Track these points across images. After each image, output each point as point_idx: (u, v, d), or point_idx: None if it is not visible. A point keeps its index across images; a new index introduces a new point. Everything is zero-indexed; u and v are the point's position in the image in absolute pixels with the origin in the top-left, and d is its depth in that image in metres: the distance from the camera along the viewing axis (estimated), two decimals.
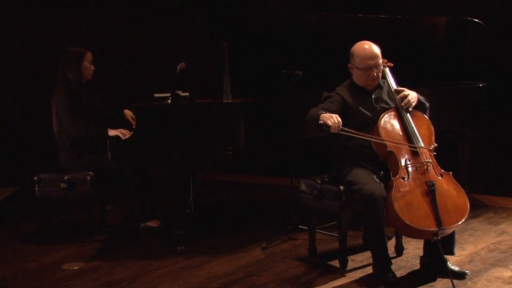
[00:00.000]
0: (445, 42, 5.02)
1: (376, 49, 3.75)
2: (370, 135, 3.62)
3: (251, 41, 4.68)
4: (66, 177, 4.52)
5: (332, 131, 3.41)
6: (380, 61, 3.74)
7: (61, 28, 7.69)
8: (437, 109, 4.71)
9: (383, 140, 3.57)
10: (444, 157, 3.72)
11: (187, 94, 4.55)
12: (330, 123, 3.40)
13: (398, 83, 3.90)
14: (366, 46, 3.74)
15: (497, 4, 6.03)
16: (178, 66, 4.54)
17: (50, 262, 4.17)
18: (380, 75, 3.79)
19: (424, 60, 4.96)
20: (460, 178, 4.22)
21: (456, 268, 3.61)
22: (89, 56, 4.73)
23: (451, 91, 4.89)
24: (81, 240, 4.59)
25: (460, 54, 5.06)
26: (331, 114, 3.47)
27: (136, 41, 7.73)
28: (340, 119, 3.45)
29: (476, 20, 4.94)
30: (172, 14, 7.59)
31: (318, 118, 3.49)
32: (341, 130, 3.45)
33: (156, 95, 4.66)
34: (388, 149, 3.56)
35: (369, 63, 3.70)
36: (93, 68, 4.76)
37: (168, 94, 4.48)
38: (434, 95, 4.75)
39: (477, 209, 5.07)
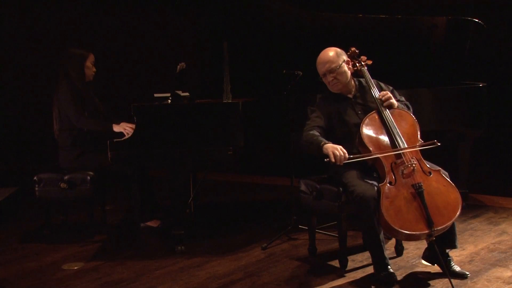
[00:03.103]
0: (445, 42, 5.02)
1: (328, 54, 3.75)
2: (378, 152, 3.52)
3: (251, 41, 4.68)
4: (66, 177, 4.53)
5: (338, 163, 3.44)
6: (334, 65, 3.71)
7: (61, 27, 7.68)
8: (437, 109, 4.72)
9: (387, 153, 3.50)
10: (444, 157, 3.72)
11: (187, 94, 4.54)
12: (334, 159, 3.42)
13: (398, 83, 3.89)
14: (320, 54, 3.78)
15: (497, 4, 6.03)
16: (178, 66, 4.54)
17: (50, 262, 4.17)
18: (341, 78, 3.74)
19: (424, 60, 4.96)
20: (460, 178, 4.23)
21: (457, 269, 3.61)
22: (91, 57, 4.75)
23: (451, 91, 4.89)
24: (81, 240, 4.59)
25: (460, 54, 5.06)
26: (334, 146, 3.47)
27: (136, 41, 7.73)
28: (344, 151, 3.46)
29: (476, 20, 4.94)
30: (172, 14, 7.59)
31: (320, 147, 3.50)
32: (348, 159, 3.46)
33: (156, 95, 4.66)
34: (372, 156, 3.54)
35: (321, 70, 3.75)
36: (94, 70, 4.79)
37: (168, 94, 4.48)
38: (434, 95, 4.76)
39: (477, 209, 5.06)
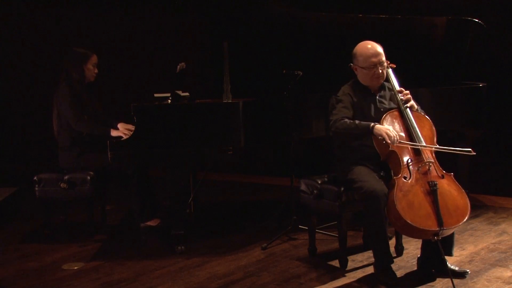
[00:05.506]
0: (445, 42, 5.02)
1: (379, 47, 3.78)
2: (427, 145, 3.58)
3: (251, 41, 4.68)
4: (66, 177, 4.53)
5: (391, 144, 3.47)
6: (384, 58, 3.76)
7: (62, 27, 7.69)
8: (437, 109, 4.71)
9: (431, 147, 3.56)
10: (444, 157, 3.72)
11: (187, 94, 4.55)
12: (389, 140, 3.46)
13: (399, 83, 3.89)
14: (369, 45, 3.78)
15: (497, 4, 6.03)
16: (178, 66, 4.54)
17: (50, 262, 4.17)
18: (385, 72, 3.80)
19: (424, 60, 4.96)
20: (460, 179, 4.20)
21: (457, 268, 3.61)
22: (94, 59, 4.75)
23: (451, 91, 4.89)
24: (81, 240, 4.59)
25: (460, 54, 5.06)
26: (386, 127, 3.53)
27: (136, 41, 7.73)
28: (396, 133, 3.51)
29: (476, 20, 4.94)
30: (172, 14, 7.59)
31: (370, 129, 3.53)
32: (400, 143, 3.51)
33: (156, 95, 4.66)
34: (390, 148, 3.56)
35: (373, 61, 3.73)
36: (96, 71, 4.78)
37: (168, 94, 4.48)
38: (434, 95, 4.76)
39: (477, 209, 5.07)
